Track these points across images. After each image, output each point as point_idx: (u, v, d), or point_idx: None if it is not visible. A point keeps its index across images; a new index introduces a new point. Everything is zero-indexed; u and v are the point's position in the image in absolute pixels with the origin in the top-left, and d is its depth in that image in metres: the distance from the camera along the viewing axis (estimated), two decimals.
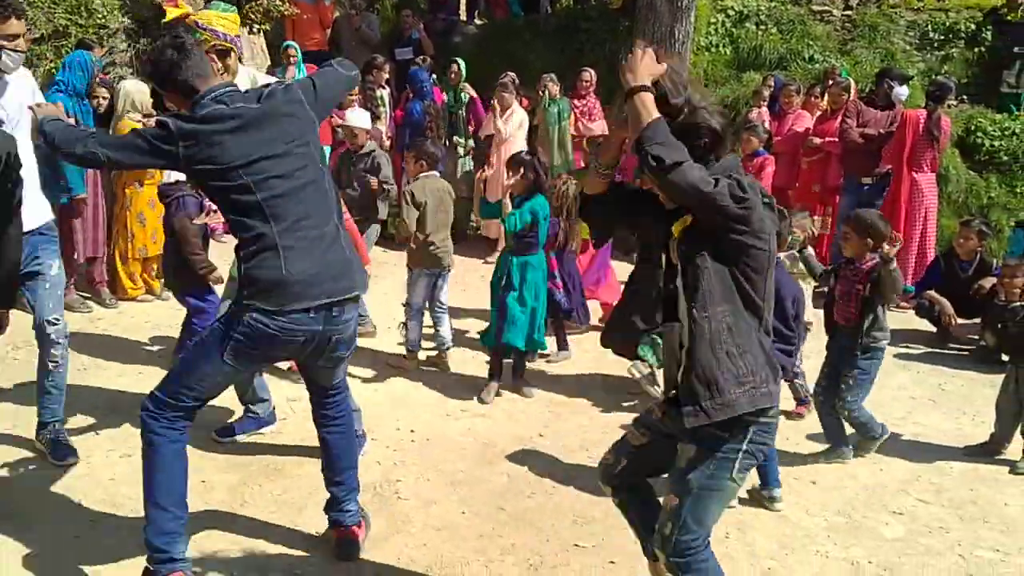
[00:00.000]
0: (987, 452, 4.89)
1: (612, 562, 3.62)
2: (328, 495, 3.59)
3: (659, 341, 5.05)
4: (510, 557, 3.63)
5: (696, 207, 2.53)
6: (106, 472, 4.11)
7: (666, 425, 2.83)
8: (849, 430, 4.70)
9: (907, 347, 6.81)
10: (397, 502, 4.04)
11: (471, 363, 5.93)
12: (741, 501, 4.21)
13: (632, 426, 2.99)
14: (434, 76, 9.46)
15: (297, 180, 3.07)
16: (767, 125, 8.61)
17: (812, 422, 5.10)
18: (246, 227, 3.04)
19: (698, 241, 2.59)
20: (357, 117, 6.51)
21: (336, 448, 3.56)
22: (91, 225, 6.55)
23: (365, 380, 5.54)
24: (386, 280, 7.24)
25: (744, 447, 2.62)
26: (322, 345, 3.21)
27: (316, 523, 3.76)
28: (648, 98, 2.54)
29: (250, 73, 4.09)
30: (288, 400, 5.07)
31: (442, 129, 8.95)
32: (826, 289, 4.74)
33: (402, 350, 5.89)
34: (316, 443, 4.49)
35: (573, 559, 3.63)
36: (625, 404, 5.36)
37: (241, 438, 4.53)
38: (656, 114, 2.52)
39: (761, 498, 4.19)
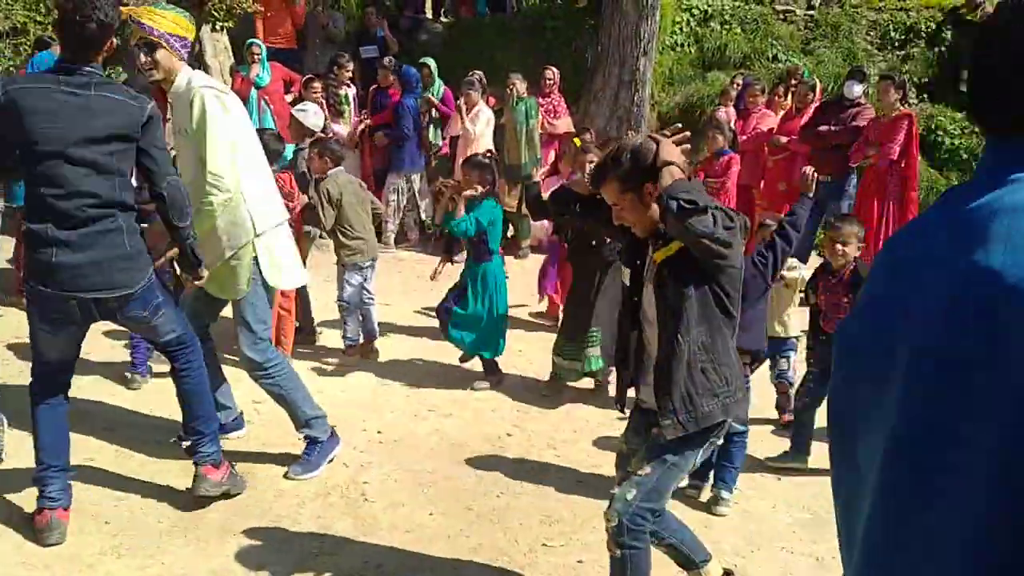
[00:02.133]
0: None
1: (580, 561, 3.63)
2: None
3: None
4: (478, 557, 3.62)
5: (704, 248, 2.63)
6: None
7: (639, 421, 3.07)
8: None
9: None
10: (364, 504, 4.02)
11: (440, 364, 5.91)
12: (704, 500, 4.25)
13: (621, 441, 3.19)
14: None
15: None
16: (733, 124, 8.66)
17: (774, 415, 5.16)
18: None
19: (682, 269, 2.76)
20: (311, 116, 6.46)
21: (185, 398, 3.80)
22: None
23: (331, 380, 5.51)
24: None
25: (713, 435, 2.90)
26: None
27: (284, 525, 3.73)
28: (675, 170, 2.67)
29: (187, 75, 3.93)
30: (253, 403, 5.02)
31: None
32: (812, 298, 4.74)
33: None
34: (282, 446, 4.50)
35: (541, 558, 3.64)
36: (594, 403, 5.38)
37: None
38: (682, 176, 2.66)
39: (713, 500, 4.19)
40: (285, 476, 4.21)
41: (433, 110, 9.18)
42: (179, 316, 3.76)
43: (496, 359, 5.67)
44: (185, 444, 3.82)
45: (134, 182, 3.58)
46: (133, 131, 3.36)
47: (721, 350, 2.81)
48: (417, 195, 9.18)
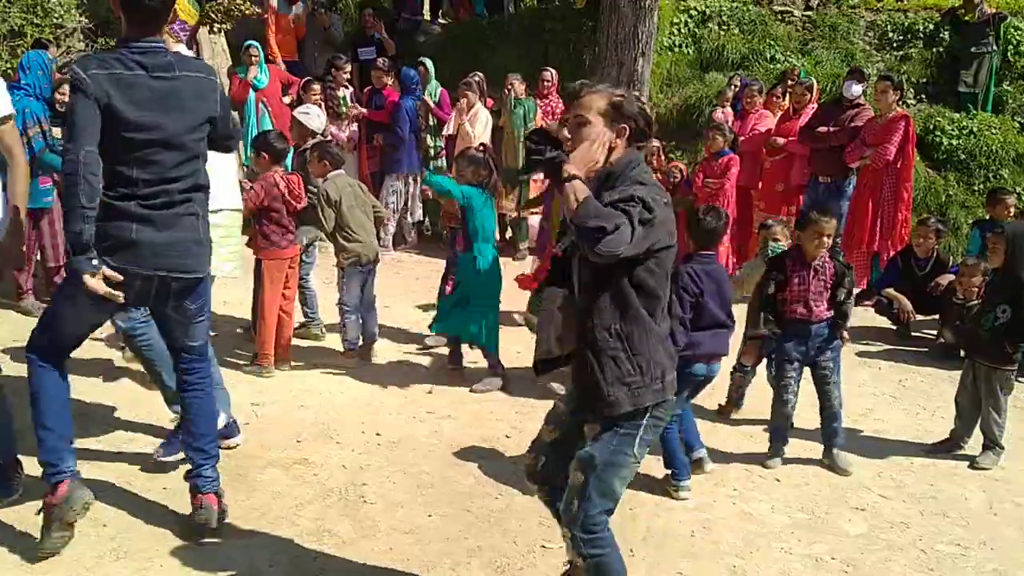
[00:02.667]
0: (948, 448, 4.96)
1: None
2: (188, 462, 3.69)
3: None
4: (476, 559, 3.62)
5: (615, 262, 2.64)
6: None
7: (570, 412, 3.04)
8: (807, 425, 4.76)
9: (867, 344, 6.90)
10: (363, 506, 4.02)
11: (438, 365, 5.91)
12: (705, 502, 4.25)
13: (544, 424, 3.16)
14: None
15: None
16: (731, 125, 8.67)
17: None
18: None
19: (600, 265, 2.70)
20: (313, 118, 6.44)
21: (193, 412, 3.64)
22: (59, 231, 6.37)
23: (330, 382, 5.52)
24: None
25: (644, 423, 2.81)
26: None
27: (283, 527, 3.73)
28: (579, 186, 2.63)
29: None
30: (252, 405, 5.03)
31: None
32: (772, 290, 4.71)
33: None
34: (281, 448, 4.50)
35: (540, 560, 3.64)
36: None
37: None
38: (586, 195, 2.61)
39: (668, 487, 4.29)
40: (152, 460, 4.17)
41: (431, 115, 9.16)
42: (209, 321, 3.71)
43: (498, 360, 5.63)
44: (187, 469, 3.68)
45: None
46: (215, 112, 3.42)
47: (638, 340, 2.75)
48: (413, 198, 9.17)
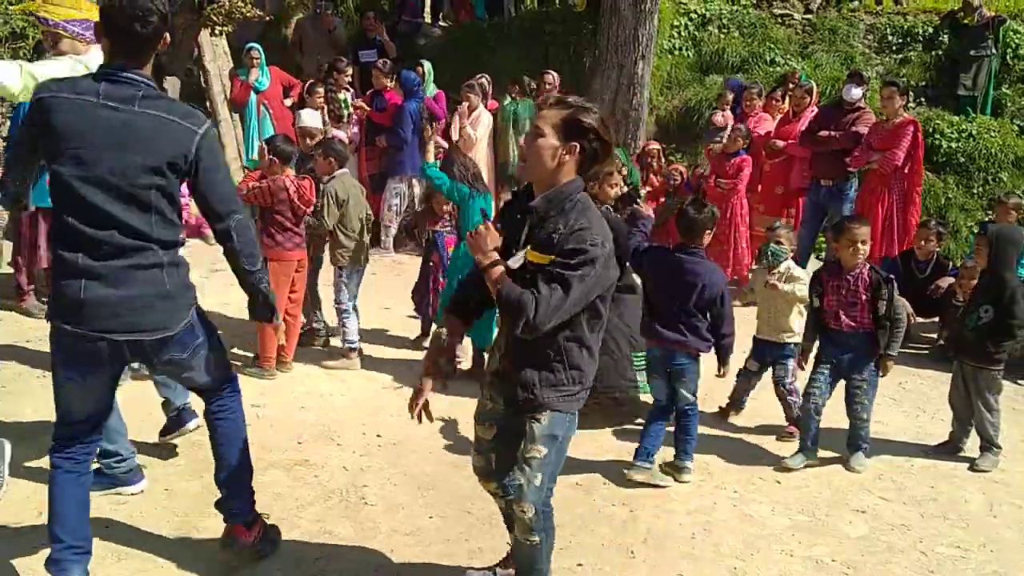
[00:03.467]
0: (948, 450, 4.98)
1: (580, 564, 3.63)
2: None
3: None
4: (477, 560, 3.62)
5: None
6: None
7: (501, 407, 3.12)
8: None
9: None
10: (364, 507, 4.02)
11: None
12: (706, 504, 4.26)
13: (476, 425, 3.24)
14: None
15: None
16: (731, 127, 8.69)
17: (775, 420, 5.18)
18: None
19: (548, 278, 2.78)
20: (310, 117, 6.45)
21: (216, 446, 3.40)
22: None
23: (331, 383, 5.52)
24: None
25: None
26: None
27: (284, 529, 3.73)
28: (498, 271, 2.80)
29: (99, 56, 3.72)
30: (252, 407, 5.02)
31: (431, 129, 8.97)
32: (816, 304, 4.77)
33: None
34: (282, 450, 4.51)
35: None
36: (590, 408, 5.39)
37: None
38: (503, 280, 2.78)
39: (676, 469, 4.50)
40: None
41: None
42: (220, 356, 3.34)
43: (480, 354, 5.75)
44: (216, 501, 3.48)
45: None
46: (179, 160, 2.90)
47: (576, 353, 2.90)
48: (417, 200, 9.17)
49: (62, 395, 3.06)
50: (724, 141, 8.44)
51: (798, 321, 5.06)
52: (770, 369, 5.20)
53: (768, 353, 5.16)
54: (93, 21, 3.35)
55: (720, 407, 5.39)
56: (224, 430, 3.37)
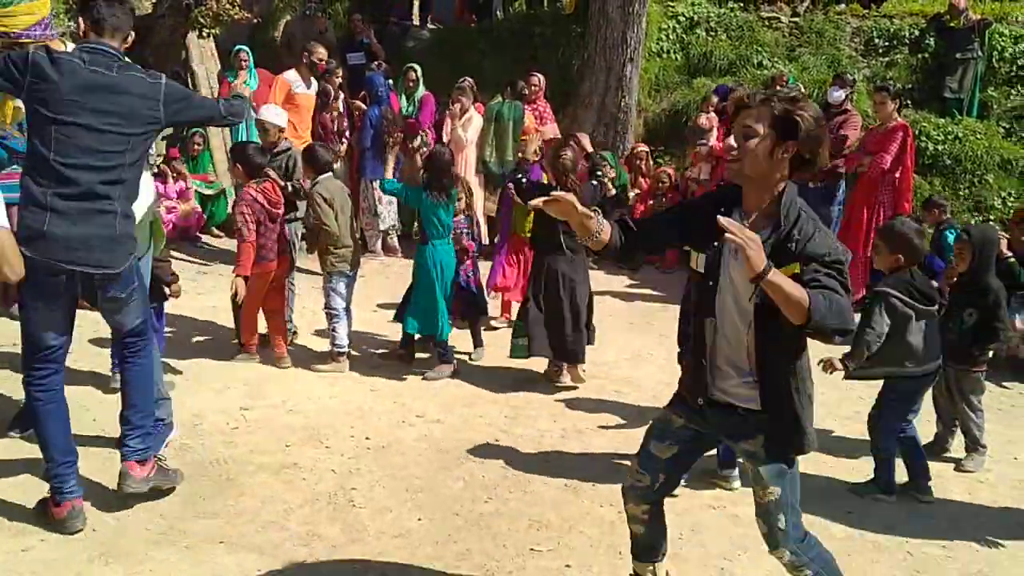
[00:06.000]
0: (934, 451, 5.00)
1: (568, 566, 3.64)
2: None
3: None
4: (465, 563, 3.63)
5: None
6: None
7: (698, 426, 2.95)
8: None
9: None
10: (352, 510, 4.02)
11: (427, 369, 5.92)
12: (693, 505, 4.27)
13: (655, 440, 3.03)
14: (390, 81, 9.43)
15: None
16: (717, 131, 8.72)
17: None
18: None
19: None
20: (269, 112, 6.43)
21: (128, 383, 3.81)
22: None
23: (319, 386, 5.52)
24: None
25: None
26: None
27: (272, 532, 3.73)
28: (780, 276, 2.44)
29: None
30: (241, 409, 5.03)
31: (397, 135, 8.87)
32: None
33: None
34: (270, 453, 4.51)
35: (529, 563, 3.64)
36: (581, 408, 5.40)
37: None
38: (799, 291, 2.43)
39: (720, 480, 4.44)
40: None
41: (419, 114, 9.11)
42: (147, 306, 3.89)
43: (448, 348, 5.89)
44: (118, 438, 3.90)
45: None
46: (154, 110, 3.56)
47: (808, 374, 2.77)
48: (378, 203, 9.00)
49: (31, 324, 3.53)
50: (710, 143, 8.46)
51: None
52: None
53: None
54: (48, 17, 3.87)
55: None
56: (136, 372, 3.80)
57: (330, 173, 5.94)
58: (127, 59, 3.59)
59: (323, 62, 8.42)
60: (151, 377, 3.92)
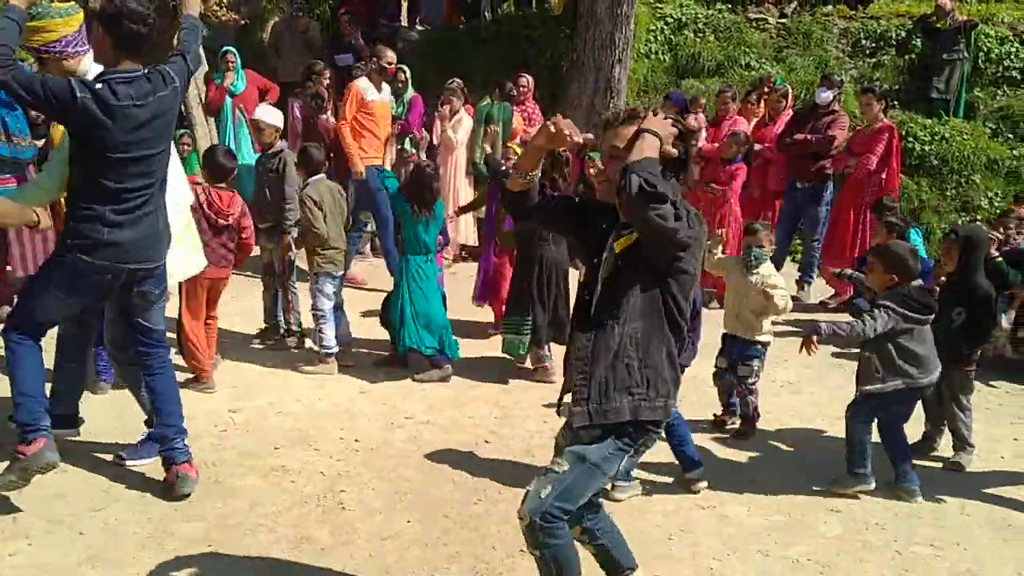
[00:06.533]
0: (921, 451, 5.02)
1: None
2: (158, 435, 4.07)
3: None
4: (456, 565, 3.62)
5: (656, 239, 2.61)
6: None
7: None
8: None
9: (843, 348, 6.94)
10: (341, 512, 4.01)
11: (416, 371, 5.91)
12: (682, 505, 4.28)
13: (558, 435, 3.06)
14: None
15: None
16: (705, 131, 8.73)
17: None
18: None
19: (636, 261, 2.70)
20: (265, 112, 6.39)
21: (159, 392, 4.02)
22: (27, 239, 6.03)
23: (308, 389, 5.50)
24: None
25: (634, 441, 2.79)
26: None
27: (261, 535, 3.72)
28: (652, 140, 2.62)
29: (87, 66, 3.97)
30: (229, 412, 5.01)
31: (394, 126, 8.86)
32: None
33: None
34: (259, 456, 4.49)
35: (519, 565, 3.64)
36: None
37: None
38: (652, 155, 2.58)
39: (687, 482, 4.41)
40: (116, 458, 4.30)
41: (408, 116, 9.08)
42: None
43: (437, 354, 5.85)
44: (161, 450, 4.06)
45: None
46: (177, 109, 3.85)
47: (653, 351, 2.73)
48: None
49: (41, 303, 3.71)
50: (699, 144, 8.43)
51: (767, 323, 5.07)
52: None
53: (734, 349, 5.13)
54: (69, 35, 3.89)
55: (714, 415, 5.35)
56: (165, 382, 4.01)
57: (323, 175, 5.93)
58: (147, 70, 3.67)
59: (392, 65, 8.19)
60: (175, 382, 4.13)
